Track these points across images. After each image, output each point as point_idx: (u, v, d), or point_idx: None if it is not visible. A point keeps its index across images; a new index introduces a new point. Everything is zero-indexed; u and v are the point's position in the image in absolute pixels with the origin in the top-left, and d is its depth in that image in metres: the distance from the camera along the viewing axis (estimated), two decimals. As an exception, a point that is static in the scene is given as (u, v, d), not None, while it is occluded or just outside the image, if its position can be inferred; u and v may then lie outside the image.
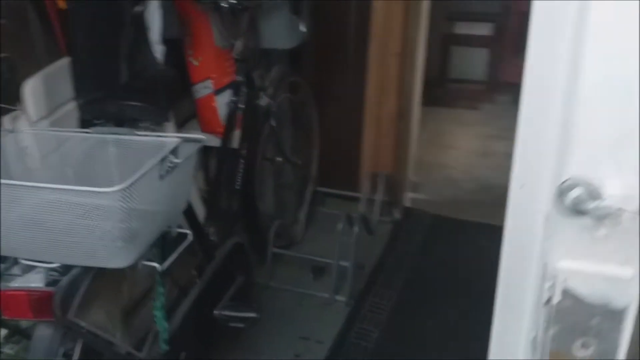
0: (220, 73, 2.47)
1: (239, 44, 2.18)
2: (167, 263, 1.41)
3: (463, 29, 4.30)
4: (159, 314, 1.57)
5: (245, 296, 2.15)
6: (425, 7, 2.80)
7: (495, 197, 3.21)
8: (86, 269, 1.30)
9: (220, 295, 1.96)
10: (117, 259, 1.24)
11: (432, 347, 2.21)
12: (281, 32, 2.17)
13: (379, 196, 2.84)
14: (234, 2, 2.13)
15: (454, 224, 2.99)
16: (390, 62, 2.82)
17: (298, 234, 2.88)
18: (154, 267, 1.45)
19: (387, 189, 2.91)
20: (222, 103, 2.45)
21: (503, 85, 4.41)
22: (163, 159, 1.29)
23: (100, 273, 1.33)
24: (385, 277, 2.61)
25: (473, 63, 4.39)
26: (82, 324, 1.30)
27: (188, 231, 1.51)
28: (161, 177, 1.30)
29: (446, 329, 2.30)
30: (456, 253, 2.76)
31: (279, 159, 2.69)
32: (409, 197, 3.11)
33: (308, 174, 2.99)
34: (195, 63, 2.48)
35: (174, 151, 1.33)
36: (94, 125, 1.51)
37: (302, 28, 2.15)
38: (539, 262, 0.77)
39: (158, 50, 2.07)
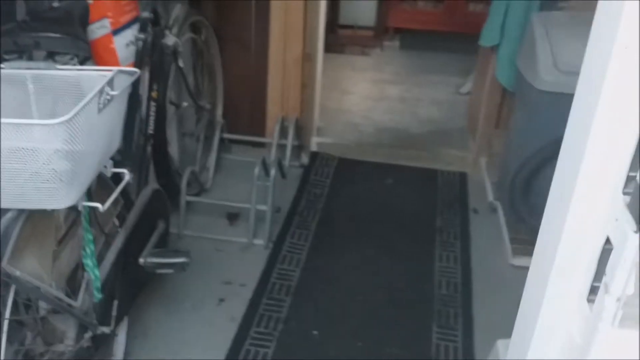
0: (117, 11, 2.27)
1: (144, -23, 2.03)
2: (108, 204, 1.31)
3: (351, -26, 4.32)
4: (90, 262, 1.47)
5: (165, 243, 2.07)
6: (326, -55, 2.77)
7: (392, 139, 3.35)
8: (18, 213, 1.17)
9: (144, 243, 1.87)
10: (58, 199, 1.13)
11: (348, 280, 2.28)
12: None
13: (290, 141, 2.83)
14: None
15: (357, 165, 3.07)
16: (294, 6, 2.77)
17: (207, 181, 2.80)
18: (77, 211, 1.35)
19: (295, 133, 2.90)
20: (121, 44, 2.26)
21: (390, 30, 4.52)
22: (101, 91, 1.18)
23: (31, 217, 1.21)
24: (299, 218, 2.63)
25: (361, 9, 4.43)
26: (16, 272, 1.18)
27: (125, 170, 1.40)
28: (99, 110, 1.19)
29: (359, 261, 2.38)
30: (361, 192, 2.85)
31: (186, 103, 2.58)
32: (315, 142, 3.13)
33: (214, 120, 2.90)
34: (90, 1, 2.27)
35: (110, 83, 1.22)
36: (6, 60, 1.34)
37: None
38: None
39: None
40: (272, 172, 2.47)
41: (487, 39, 2.67)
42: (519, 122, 2.42)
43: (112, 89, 1.24)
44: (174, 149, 2.61)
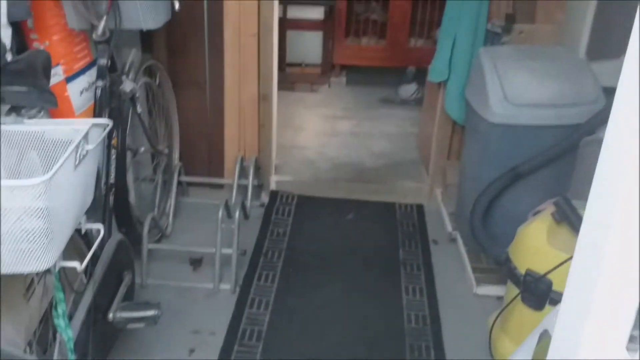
0: (70, 58, 2.25)
1: (101, 25, 2.01)
2: (85, 262, 1.27)
3: (296, 12, 4.40)
4: (62, 322, 1.41)
5: (132, 295, 2.02)
6: (276, -13, 2.82)
7: (348, 174, 3.40)
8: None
9: (112, 297, 1.82)
10: (36, 262, 1.10)
11: (318, 320, 2.28)
12: (148, 9, 2.04)
13: (250, 181, 2.82)
14: (92, -21, 1.96)
15: (317, 202, 3.09)
16: (248, 44, 2.80)
17: (167, 226, 2.76)
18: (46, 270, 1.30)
19: (255, 173, 2.90)
20: (75, 91, 2.24)
21: (337, 67, 4.61)
22: (77, 146, 1.16)
23: (5, 281, 1.17)
24: (265, 259, 2.62)
25: (308, 48, 4.52)
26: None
27: (99, 225, 1.37)
28: (75, 167, 1.17)
29: (328, 299, 2.38)
30: (323, 228, 2.86)
31: (143, 148, 2.54)
32: (274, 180, 3.13)
33: (171, 163, 2.87)
34: (41, 48, 2.23)
35: (86, 137, 1.20)
36: (-33, 116, 1.30)
37: (177, 4, 2.04)
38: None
39: (5, 34, 1.83)
40: (236, 214, 2.46)
41: (436, 74, 2.77)
42: (472, 154, 2.50)
43: (88, 143, 1.21)
44: (132, 197, 2.56)
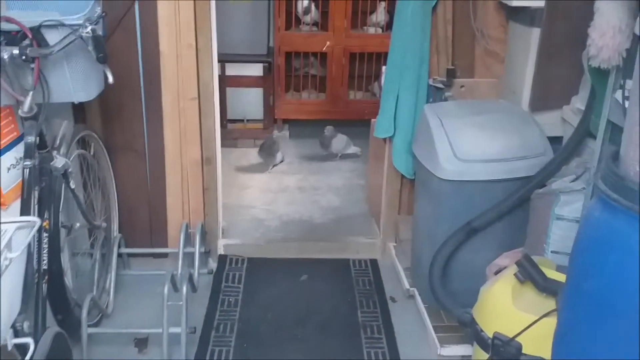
0: (-6, 135, 2.10)
1: (27, 101, 1.88)
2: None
3: (235, 70, 4.35)
4: None
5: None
6: (214, 49, 2.75)
7: (299, 232, 3.31)
8: None
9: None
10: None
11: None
12: (79, 82, 1.92)
13: (197, 248, 2.68)
14: (16, 52, 1.84)
15: (269, 264, 2.97)
16: (188, 108, 2.71)
17: (108, 305, 2.57)
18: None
19: (201, 239, 2.76)
20: (2, 168, 2.08)
21: (279, 121, 4.56)
22: None
23: None
24: (216, 334, 2.46)
25: (249, 103, 4.45)
26: None
27: (29, 340, 1.21)
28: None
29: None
30: (276, 293, 2.74)
31: (79, 224, 2.38)
32: (221, 244, 3.00)
33: (110, 235, 2.70)
34: (-38, 124, 2.06)
35: (9, 245, 1.06)
36: None
37: (110, 77, 1.92)
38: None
39: None
40: (184, 288, 2.31)
41: (381, 130, 2.75)
42: (424, 210, 2.46)
43: (10, 251, 1.07)
44: (68, 277, 2.37)
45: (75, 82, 1.90)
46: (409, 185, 2.90)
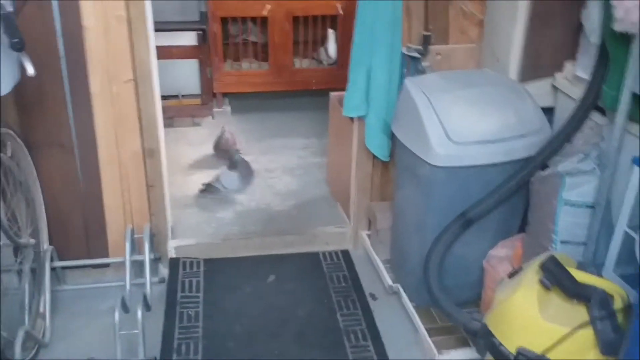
0: None
1: None
2: None
3: (165, 40, 3.85)
4: None
5: None
6: (150, 19, 2.32)
7: (258, 223, 2.96)
8: None
9: None
10: None
11: None
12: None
13: (147, 256, 2.29)
14: None
15: (229, 265, 2.62)
16: (122, 92, 2.28)
17: (44, 331, 2.16)
18: None
19: (150, 245, 2.38)
20: None
21: (219, 96, 4.14)
22: None
23: None
24: (179, 357, 2.11)
25: (183, 77, 3.99)
26: None
27: None
28: None
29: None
30: (242, 300, 2.41)
31: (1, 243, 1.94)
32: (172, 247, 2.62)
33: (39, 249, 2.26)
34: None
35: None
36: None
37: (29, 68, 1.49)
38: None
39: None
40: (139, 313, 1.94)
41: (351, 108, 2.42)
42: (410, 198, 2.19)
43: None
44: (-7, 307, 1.95)
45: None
46: (380, 167, 2.61)
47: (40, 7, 2.08)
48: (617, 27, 1.56)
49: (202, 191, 3.11)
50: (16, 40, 1.42)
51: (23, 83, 1.90)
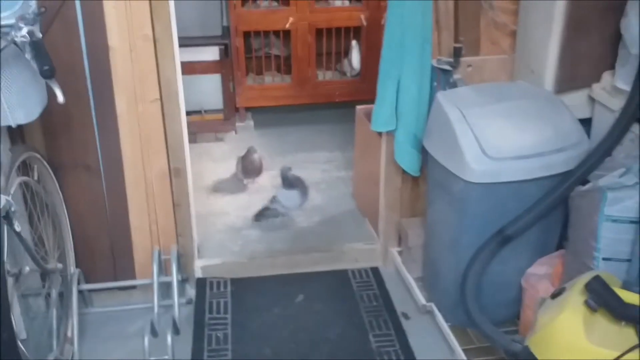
0: None
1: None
2: None
3: (188, 55, 3.84)
4: None
5: None
6: (175, 38, 2.29)
7: (284, 241, 2.91)
8: None
9: None
10: None
11: None
12: (17, 103, 1.45)
13: (175, 278, 2.25)
14: None
15: (256, 284, 2.57)
16: (149, 112, 2.25)
17: (73, 357, 2.13)
18: None
19: (178, 266, 2.34)
20: None
21: (241, 110, 4.12)
22: None
23: None
24: (209, 380, 2.07)
25: (206, 92, 3.98)
26: None
27: None
28: None
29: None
30: (271, 320, 2.35)
31: (28, 267, 1.92)
32: (198, 267, 2.58)
33: (66, 273, 2.24)
34: None
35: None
36: None
37: (60, 96, 1.46)
38: None
39: None
40: (169, 338, 1.90)
41: (380, 123, 2.37)
42: (443, 215, 2.12)
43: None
44: (22, 333, 1.92)
45: (12, 104, 1.43)
46: (410, 182, 2.55)
47: (66, 26, 2.06)
48: (663, 37, 1.49)
49: (259, 216, 2.97)
50: (47, 68, 1.40)
51: (48, 106, 1.89)
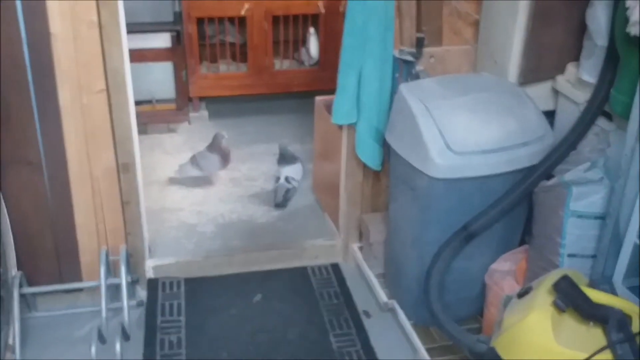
0: None
1: None
2: None
3: (138, 42, 3.66)
4: None
5: None
6: (123, 24, 2.15)
7: (242, 237, 2.80)
8: None
9: None
10: None
11: None
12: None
13: (124, 279, 2.12)
14: None
15: (212, 284, 2.47)
16: (94, 104, 2.11)
17: (14, 368, 1.98)
18: None
19: (127, 267, 2.21)
20: None
21: (195, 100, 3.96)
22: None
23: None
24: (162, 388, 1.96)
25: (157, 81, 3.81)
26: None
27: None
28: None
29: None
30: (228, 322, 2.25)
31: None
32: (149, 266, 2.45)
33: (7, 278, 2.08)
34: None
35: None
36: None
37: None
38: None
39: None
40: (117, 346, 1.78)
41: (341, 115, 2.28)
42: (406, 211, 2.06)
43: None
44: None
45: None
46: (372, 177, 2.48)
47: (3, 12, 1.89)
48: (632, 29, 1.44)
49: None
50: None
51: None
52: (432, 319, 1.89)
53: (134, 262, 2.35)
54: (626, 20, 1.48)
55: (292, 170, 3.02)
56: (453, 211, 1.91)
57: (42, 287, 2.23)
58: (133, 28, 3.63)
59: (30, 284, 2.21)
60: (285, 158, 3.09)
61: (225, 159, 3.11)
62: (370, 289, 2.40)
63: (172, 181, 3.22)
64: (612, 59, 1.71)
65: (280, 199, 2.93)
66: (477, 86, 2.01)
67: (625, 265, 1.72)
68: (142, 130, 3.71)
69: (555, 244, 1.81)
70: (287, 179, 2.97)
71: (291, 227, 2.83)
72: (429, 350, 2.01)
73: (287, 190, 2.95)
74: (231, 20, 3.83)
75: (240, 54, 3.94)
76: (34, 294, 2.25)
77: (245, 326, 2.24)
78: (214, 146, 3.11)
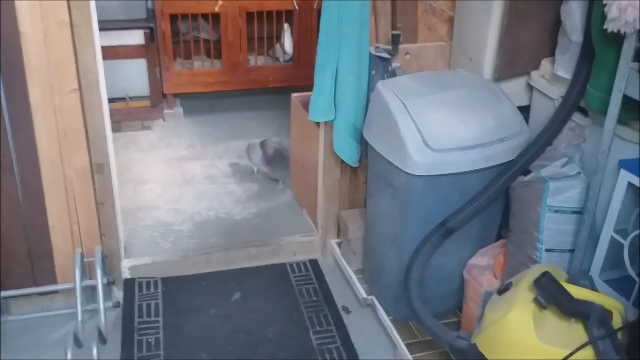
0: None
1: None
2: None
3: (111, 39, 3.60)
4: None
5: None
6: (95, 23, 2.10)
7: (219, 234, 2.77)
8: None
9: None
10: None
11: None
12: None
13: (100, 281, 2.09)
14: None
15: (190, 283, 2.44)
16: (67, 104, 2.06)
17: (-13, 375, 1.94)
18: None
19: (103, 269, 2.17)
20: None
21: (169, 97, 3.92)
22: None
23: None
24: (141, 390, 1.94)
25: (130, 78, 3.75)
26: None
27: None
28: None
29: None
30: (207, 323, 2.23)
31: None
32: (125, 267, 2.41)
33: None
34: None
35: None
36: None
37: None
38: None
39: None
40: (94, 350, 1.75)
41: (319, 113, 2.26)
42: (385, 208, 2.06)
43: None
44: None
45: None
46: (349, 173, 2.47)
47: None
48: (609, 26, 1.46)
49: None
50: None
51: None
52: (412, 315, 1.90)
53: (109, 263, 2.31)
54: (603, 17, 1.49)
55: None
56: (431, 207, 1.91)
57: (15, 290, 2.18)
58: (106, 25, 3.58)
59: (3, 287, 2.16)
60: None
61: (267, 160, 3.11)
62: (349, 284, 2.40)
63: (147, 178, 3.17)
64: (587, 55, 1.73)
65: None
66: (453, 83, 2.02)
67: (602, 258, 1.75)
68: (116, 128, 3.66)
69: (533, 239, 1.83)
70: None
71: (269, 223, 2.82)
72: (408, 346, 2.02)
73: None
74: (205, 16, 3.79)
75: (214, 50, 3.90)
76: (7, 298, 2.20)
77: (224, 325, 2.22)
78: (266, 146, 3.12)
